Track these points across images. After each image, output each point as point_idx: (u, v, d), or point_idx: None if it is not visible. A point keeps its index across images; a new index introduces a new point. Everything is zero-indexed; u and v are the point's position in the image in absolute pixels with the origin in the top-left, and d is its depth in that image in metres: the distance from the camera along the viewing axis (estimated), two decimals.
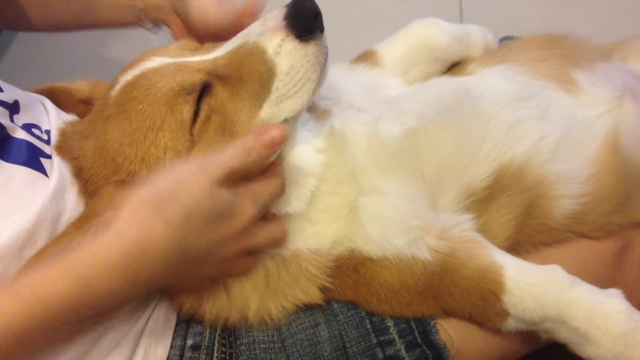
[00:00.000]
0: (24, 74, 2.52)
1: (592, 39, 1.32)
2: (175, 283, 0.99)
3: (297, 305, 1.04)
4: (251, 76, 0.97)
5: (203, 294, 1.02)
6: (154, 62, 1.00)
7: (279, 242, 1.01)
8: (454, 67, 1.29)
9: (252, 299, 1.02)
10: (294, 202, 1.02)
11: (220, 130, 0.97)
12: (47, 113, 1.08)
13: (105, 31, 2.46)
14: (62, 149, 1.02)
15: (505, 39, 1.45)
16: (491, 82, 1.16)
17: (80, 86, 1.18)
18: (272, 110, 0.98)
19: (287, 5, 0.96)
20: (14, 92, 1.04)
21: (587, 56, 1.25)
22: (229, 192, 0.89)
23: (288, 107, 0.98)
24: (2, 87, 1.02)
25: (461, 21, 2.50)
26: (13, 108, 1.01)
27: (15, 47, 2.67)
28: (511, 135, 1.09)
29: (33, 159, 0.96)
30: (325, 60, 0.99)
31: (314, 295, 1.04)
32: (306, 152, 1.05)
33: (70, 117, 1.10)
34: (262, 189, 0.95)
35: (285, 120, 0.99)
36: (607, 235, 1.16)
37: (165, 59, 1.00)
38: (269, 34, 0.97)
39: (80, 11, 1.29)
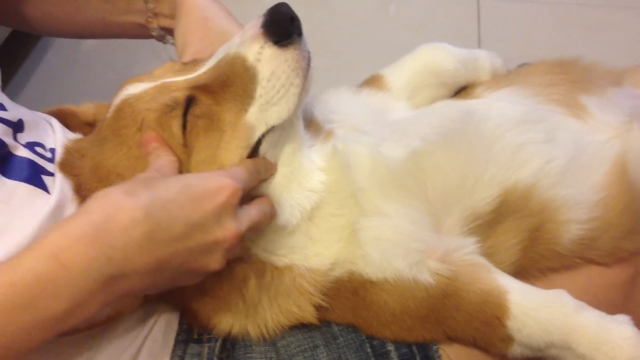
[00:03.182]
0: (51, 93, 2.57)
1: (604, 64, 1.31)
2: (162, 275, 0.89)
3: (291, 321, 1.03)
4: (234, 82, 0.98)
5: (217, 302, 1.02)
6: (138, 87, 1.02)
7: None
8: (461, 91, 1.29)
9: (250, 281, 1.01)
10: (292, 212, 1.02)
11: (209, 132, 0.98)
12: (54, 132, 1.10)
13: (132, 54, 2.54)
14: (65, 166, 1.03)
15: (522, 66, 1.45)
16: (496, 105, 1.15)
17: (86, 109, 1.20)
18: (258, 116, 0.98)
19: (264, 14, 0.98)
20: (18, 112, 1.06)
21: (596, 81, 1.24)
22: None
23: (275, 114, 0.98)
24: (7, 106, 1.04)
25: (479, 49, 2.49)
26: (17, 126, 1.03)
27: (44, 67, 2.72)
28: (516, 158, 1.08)
29: (34, 176, 0.98)
30: (308, 65, 0.99)
31: (308, 312, 1.03)
32: (308, 169, 1.05)
33: (75, 136, 1.11)
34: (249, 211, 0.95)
35: (274, 128, 0.99)
36: (617, 262, 1.14)
37: (148, 84, 1.02)
38: (248, 43, 0.98)
39: (98, 26, 1.31)
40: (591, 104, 1.19)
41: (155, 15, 1.24)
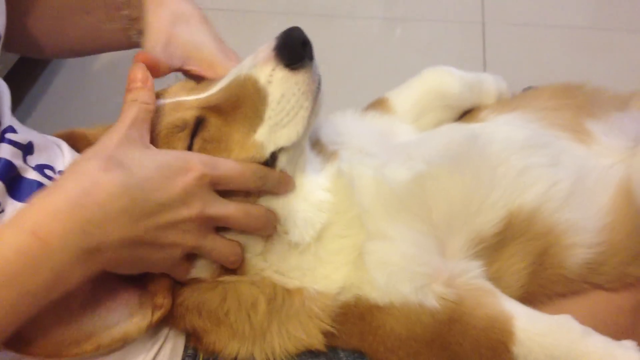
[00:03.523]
0: (60, 116, 2.59)
1: (611, 89, 1.31)
2: (137, 251, 0.91)
3: (298, 348, 1.03)
4: (245, 103, 0.99)
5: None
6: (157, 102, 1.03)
7: (229, 260, 1.01)
8: (466, 115, 1.29)
9: (260, 305, 1.02)
10: (306, 228, 1.03)
11: (217, 153, 0.98)
12: (63, 155, 1.11)
13: None
14: None
15: (528, 89, 1.45)
16: (501, 129, 1.16)
17: (96, 131, 1.20)
18: (267, 137, 0.99)
19: (277, 37, 0.99)
20: (29, 134, 1.07)
21: (602, 106, 1.25)
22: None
23: (284, 136, 0.99)
24: (17, 129, 1.05)
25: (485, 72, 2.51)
26: (27, 149, 1.04)
27: (54, 90, 2.75)
28: (521, 181, 1.08)
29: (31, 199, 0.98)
30: (318, 89, 1.00)
31: (316, 340, 1.02)
32: (314, 189, 1.06)
33: None
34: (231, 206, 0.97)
35: (283, 149, 1.00)
36: (624, 288, 1.14)
37: (162, 100, 1.03)
38: (260, 65, 0.99)
39: (88, 40, 1.32)
40: (596, 129, 1.19)
41: (132, 20, 1.24)
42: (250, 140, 0.99)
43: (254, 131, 0.99)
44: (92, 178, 0.84)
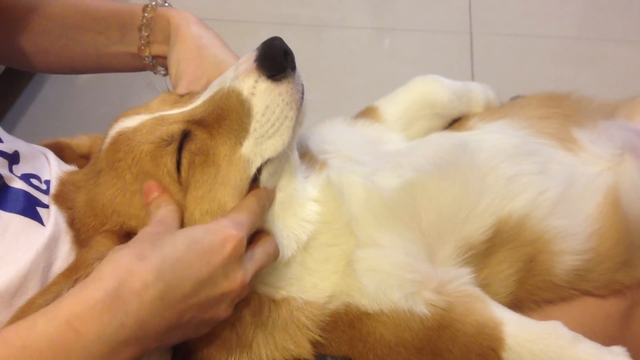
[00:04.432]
0: (47, 126, 2.58)
1: (598, 98, 1.32)
2: (174, 332, 0.91)
3: (287, 357, 1.02)
4: (229, 116, 0.99)
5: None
6: (134, 120, 1.02)
7: (275, 257, 1.01)
8: (455, 123, 1.30)
9: (245, 317, 1.01)
10: (288, 243, 1.02)
11: (205, 168, 0.98)
12: (49, 164, 1.10)
13: (127, 87, 2.56)
14: (59, 199, 1.04)
15: (515, 98, 1.46)
16: (489, 137, 1.16)
17: (80, 141, 1.20)
18: (253, 149, 0.99)
19: (258, 48, 0.99)
20: (15, 144, 1.06)
21: (589, 114, 1.25)
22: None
23: (270, 147, 0.99)
24: (3, 138, 1.05)
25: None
26: (12, 158, 1.03)
27: (40, 100, 2.74)
28: (510, 189, 1.09)
29: (30, 208, 0.98)
30: (302, 98, 1.00)
31: (305, 349, 1.02)
32: (303, 199, 1.06)
33: (70, 168, 1.12)
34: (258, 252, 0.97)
35: (265, 165, 1.00)
36: (613, 294, 1.14)
37: (144, 116, 1.03)
38: (242, 77, 0.99)
39: (92, 58, 1.32)
40: (583, 137, 1.20)
41: (149, 43, 1.25)
42: (237, 155, 0.99)
43: (240, 144, 0.99)
44: (128, 266, 0.82)
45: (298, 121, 1.01)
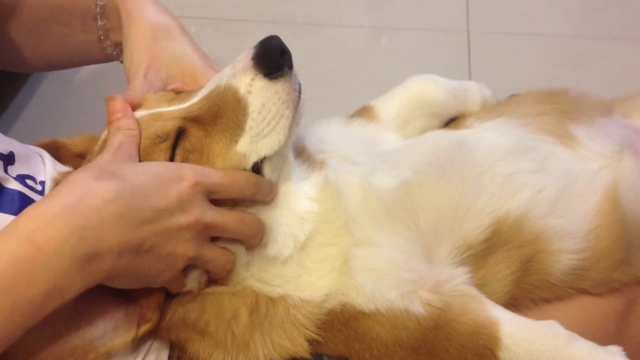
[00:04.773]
0: (43, 126, 2.57)
1: (593, 95, 1.32)
2: (136, 260, 0.89)
3: (283, 356, 1.02)
4: (225, 113, 0.99)
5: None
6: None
7: (225, 269, 1.01)
8: (452, 122, 1.30)
9: (241, 316, 1.01)
10: (285, 241, 1.02)
11: (198, 163, 0.98)
12: (45, 165, 1.10)
13: (124, 86, 2.55)
14: None
15: (512, 97, 1.46)
16: (486, 135, 1.16)
17: (76, 141, 1.20)
18: (249, 147, 0.99)
19: (255, 46, 0.99)
20: (10, 144, 1.06)
21: (586, 111, 1.25)
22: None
23: (266, 146, 0.99)
24: None
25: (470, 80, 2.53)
26: (8, 159, 1.03)
27: (36, 100, 2.73)
28: (507, 188, 1.09)
29: (25, 209, 0.97)
30: (299, 97, 1.00)
31: (301, 347, 1.02)
32: (300, 199, 1.06)
33: (66, 169, 1.11)
34: (228, 214, 0.97)
35: (267, 159, 1.00)
36: (610, 293, 1.14)
37: (141, 112, 1.03)
38: (239, 75, 0.99)
39: (63, 52, 1.31)
40: (581, 134, 1.20)
41: (107, 31, 1.24)
42: (232, 152, 0.99)
43: (236, 142, 0.99)
44: (86, 186, 0.83)
45: (295, 120, 1.00)
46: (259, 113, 0.98)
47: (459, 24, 3.00)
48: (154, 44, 1.14)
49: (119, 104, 1.00)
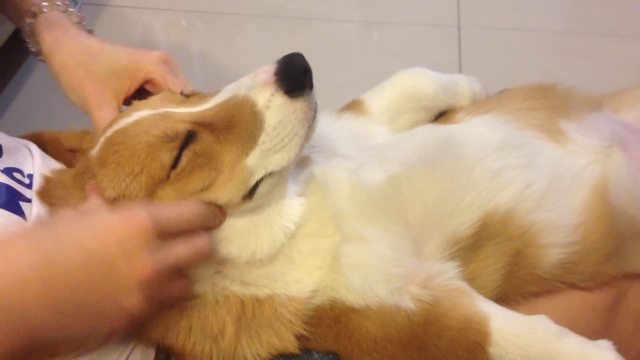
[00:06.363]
0: (33, 118, 2.56)
1: (583, 90, 1.32)
2: (67, 315, 0.81)
3: (272, 352, 1.02)
4: (240, 124, 0.97)
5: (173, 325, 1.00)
6: (136, 115, 1.00)
7: (186, 297, 0.98)
8: (441, 116, 1.30)
9: (227, 328, 1.00)
10: (277, 234, 1.02)
11: (205, 170, 0.96)
12: (32, 158, 1.09)
13: None
14: (44, 196, 1.02)
15: (502, 92, 1.46)
16: (476, 131, 1.16)
17: (70, 135, 1.18)
18: (258, 161, 0.97)
19: (279, 61, 0.97)
20: None
21: (576, 106, 1.25)
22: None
23: (275, 161, 0.97)
24: None
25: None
26: None
27: (26, 92, 2.71)
28: (496, 183, 1.09)
29: (12, 202, 0.97)
30: (314, 117, 0.99)
31: (290, 343, 1.01)
32: (289, 195, 1.04)
33: (56, 164, 1.10)
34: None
35: (272, 174, 0.98)
36: (599, 286, 1.14)
37: (148, 111, 1.00)
38: (259, 88, 0.96)
39: None
40: (571, 129, 1.20)
41: (32, 32, 1.26)
42: (241, 164, 0.96)
43: (246, 154, 0.96)
44: (17, 250, 0.78)
45: (307, 139, 0.99)
46: (274, 129, 0.96)
47: (450, 19, 3.01)
48: (86, 71, 1.18)
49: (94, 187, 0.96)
